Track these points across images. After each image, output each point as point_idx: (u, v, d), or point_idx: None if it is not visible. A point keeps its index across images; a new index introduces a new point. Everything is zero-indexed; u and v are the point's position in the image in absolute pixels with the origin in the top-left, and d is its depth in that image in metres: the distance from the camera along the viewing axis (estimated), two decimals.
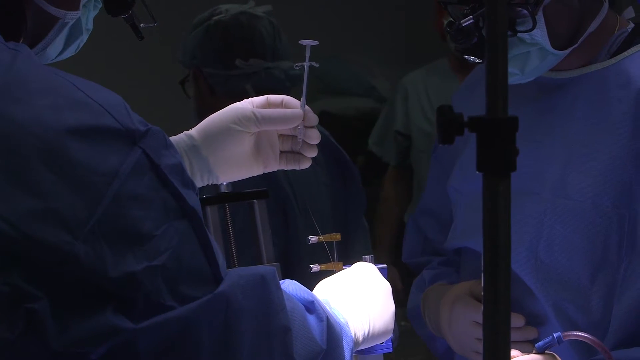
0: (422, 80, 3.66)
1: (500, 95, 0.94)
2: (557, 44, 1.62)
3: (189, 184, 1.11)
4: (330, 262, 1.48)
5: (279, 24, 2.51)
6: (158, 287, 1.05)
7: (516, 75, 1.63)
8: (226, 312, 1.09)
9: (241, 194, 1.81)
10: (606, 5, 1.67)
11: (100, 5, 1.33)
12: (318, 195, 2.42)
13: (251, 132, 1.46)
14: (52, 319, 1.01)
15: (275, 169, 1.52)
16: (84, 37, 1.34)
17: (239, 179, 1.51)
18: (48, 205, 1.02)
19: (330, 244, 1.48)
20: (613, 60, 1.67)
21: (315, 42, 1.46)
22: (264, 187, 1.81)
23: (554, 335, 1.49)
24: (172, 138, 1.41)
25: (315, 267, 1.48)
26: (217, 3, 2.54)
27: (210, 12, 2.50)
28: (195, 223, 1.10)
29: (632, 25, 1.71)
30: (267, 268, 1.18)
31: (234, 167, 1.48)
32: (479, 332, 1.68)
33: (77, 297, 1.02)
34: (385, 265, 1.47)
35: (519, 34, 1.59)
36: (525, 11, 1.57)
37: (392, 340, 1.44)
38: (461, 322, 1.71)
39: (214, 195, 1.78)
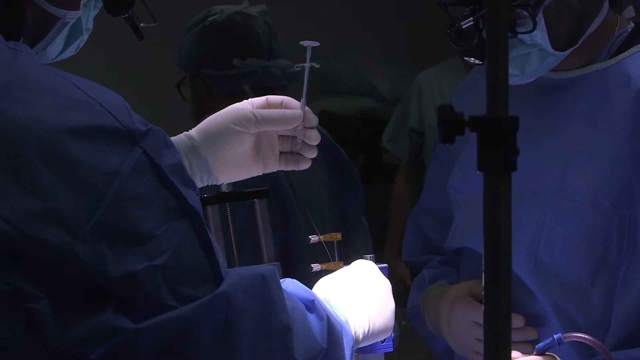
0: (436, 77, 3.65)
1: (501, 96, 0.94)
2: (558, 45, 1.62)
3: (189, 183, 1.11)
4: (331, 261, 1.48)
5: (274, 23, 2.51)
6: (158, 287, 1.05)
7: (516, 76, 1.63)
8: (227, 312, 1.09)
9: (242, 193, 1.81)
10: (606, 5, 1.67)
11: (100, 5, 1.33)
12: (318, 195, 2.42)
13: (251, 133, 1.46)
14: (52, 318, 1.01)
15: (275, 170, 1.51)
16: (84, 37, 1.34)
17: (239, 179, 1.51)
18: (48, 205, 1.02)
19: (330, 243, 1.48)
20: (613, 61, 1.67)
21: (317, 43, 1.45)
22: (264, 186, 1.81)
23: (555, 336, 1.48)
24: (171, 138, 1.41)
25: (316, 267, 1.48)
26: (217, 3, 2.54)
27: (204, 14, 2.49)
28: (196, 223, 1.10)
29: (632, 25, 1.70)
30: (268, 267, 1.18)
31: (234, 167, 1.48)
32: (478, 333, 1.67)
33: (77, 297, 1.02)
34: (386, 265, 1.47)
35: (519, 36, 1.59)
36: (525, 12, 1.57)
37: (393, 339, 1.44)
38: (461, 322, 1.71)
39: (214, 195, 1.78)
